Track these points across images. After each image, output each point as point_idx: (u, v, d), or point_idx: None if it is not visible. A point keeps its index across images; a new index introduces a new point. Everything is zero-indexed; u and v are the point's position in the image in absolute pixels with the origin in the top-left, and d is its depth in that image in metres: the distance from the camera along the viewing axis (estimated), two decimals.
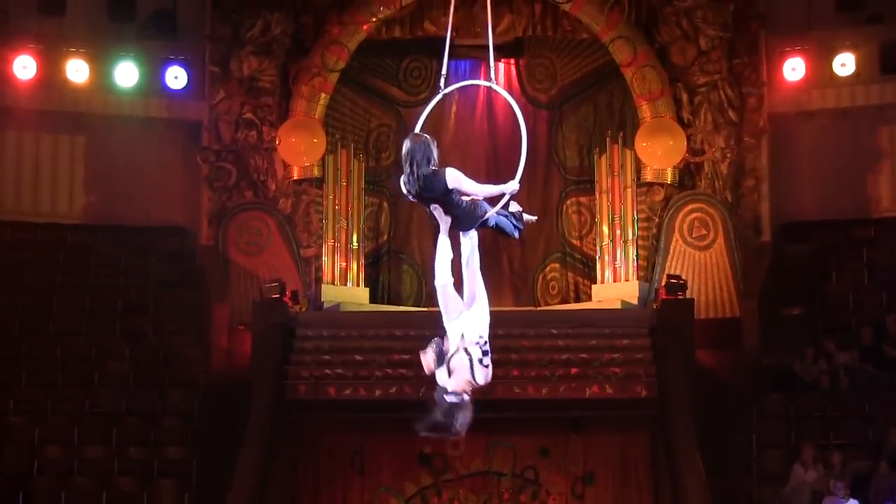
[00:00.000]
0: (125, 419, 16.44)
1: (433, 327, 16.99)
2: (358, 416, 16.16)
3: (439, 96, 8.39)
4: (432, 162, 7.60)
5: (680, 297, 16.89)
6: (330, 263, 18.53)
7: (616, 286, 18.33)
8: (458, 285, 7.87)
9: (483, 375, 7.79)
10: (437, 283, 7.82)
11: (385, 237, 19.51)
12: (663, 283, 17.29)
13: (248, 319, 17.40)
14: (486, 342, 7.83)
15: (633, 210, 18.47)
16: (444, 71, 8.49)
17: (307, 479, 16.19)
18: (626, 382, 15.90)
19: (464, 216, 7.69)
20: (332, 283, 18.47)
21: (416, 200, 7.70)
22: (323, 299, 18.25)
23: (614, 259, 18.47)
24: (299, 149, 18.62)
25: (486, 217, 7.76)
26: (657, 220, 18.60)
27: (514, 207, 8.01)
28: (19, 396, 16.46)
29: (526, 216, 8.07)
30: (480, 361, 7.80)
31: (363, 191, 18.96)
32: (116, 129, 19.23)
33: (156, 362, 17.26)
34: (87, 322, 17.69)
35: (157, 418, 16.50)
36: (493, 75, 8.71)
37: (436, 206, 7.63)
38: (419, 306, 19.11)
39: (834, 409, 16.37)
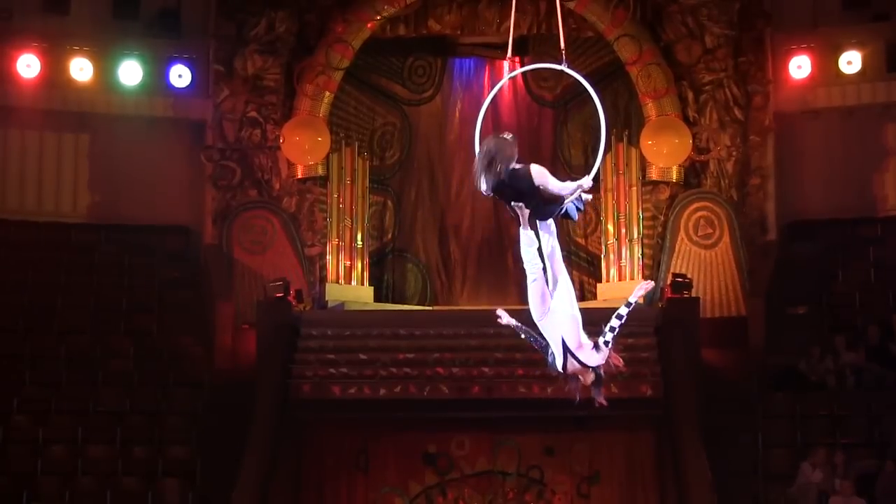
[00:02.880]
0: (129, 418, 16.45)
1: (437, 326, 17.01)
2: (362, 416, 16.17)
3: (504, 80, 8.54)
4: (514, 160, 7.80)
5: (685, 295, 16.91)
6: (334, 262, 18.54)
7: (621, 285, 18.32)
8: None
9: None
10: (530, 279, 8.13)
11: (389, 236, 19.53)
12: (669, 282, 17.30)
13: (253, 319, 17.42)
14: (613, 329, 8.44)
15: (638, 208, 18.48)
16: (509, 53, 8.58)
17: (311, 479, 16.21)
18: (632, 382, 15.87)
19: (545, 208, 7.95)
20: (337, 282, 18.49)
21: (495, 197, 7.89)
22: (327, 298, 18.27)
23: (619, 258, 18.48)
24: (303, 147, 18.65)
25: (563, 208, 8.01)
26: (662, 218, 18.62)
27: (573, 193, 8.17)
28: (23, 395, 16.48)
29: (584, 196, 8.25)
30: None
31: (367, 189, 18.97)
32: (120, 128, 19.24)
33: (160, 361, 17.27)
34: (92, 321, 17.71)
35: (162, 417, 16.50)
36: (565, 58, 8.80)
37: (518, 203, 7.83)
38: (423, 305, 19.14)
39: (840, 409, 16.35)
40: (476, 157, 7.85)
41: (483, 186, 7.87)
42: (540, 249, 8.10)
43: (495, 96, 19.25)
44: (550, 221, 8.12)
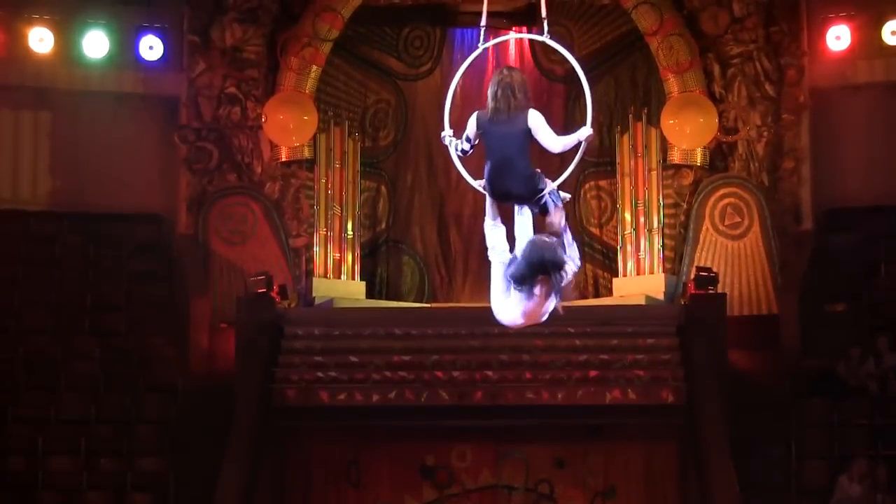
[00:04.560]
0: (95, 427, 16.47)
1: (436, 325, 17.07)
2: (353, 424, 16.20)
3: (478, 51, 8.87)
4: (526, 96, 8.31)
5: (711, 291, 16.92)
6: (322, 254, 18.55)
7: (640, 280, 18.34)
8: None
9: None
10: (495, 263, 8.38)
11: (383, 225, 19.53)
12: (692, 277, 17.31)
13: (232, 317, 17.43)
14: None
15: (658, 195, 18.49)
16: (483, 22, 8.82)
17: (297, 494, 16.24)
18: (651, 387, 15.92)
19: (527, 179, 8.26)
20: (325, 276, 18.50)
21: (480, 138, 8.37)
22: (314, 294, 18.28)
23: (638, 250, 18.49)
24: (288, 127, 18.65)
25: (543, 194, 8.28)
26: (685, 206, 18.63)
27: (551, 186, 8.41)
28: None
29: (562, 193, 8.45)
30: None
31: (359, 174, 18.97)
32: (85, 105, 19.23)
33: (129, 364, 17.29)
34: (53, 320, 17.72)
35: (131, 426, 16.53)
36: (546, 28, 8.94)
37: (480, 182, 8.36)
38: (421, 302, 19.15)
39: (882, 417, 16.38)
40: (493, 89, 8.29)
41: (472, 124, 8.37)
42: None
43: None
44: (528, 212, 8.37)
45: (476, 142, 8.48)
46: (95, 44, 19.01)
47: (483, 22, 9.01)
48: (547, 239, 8.07)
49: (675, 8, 18.76)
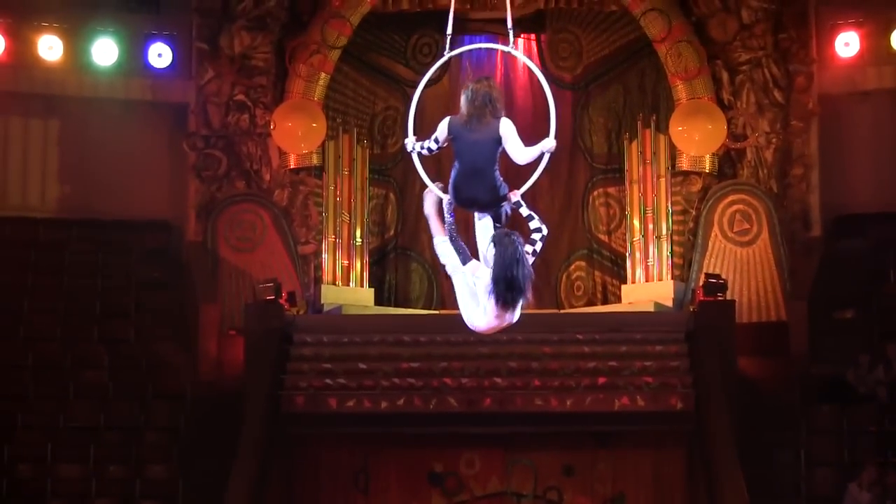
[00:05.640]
0: (104, 434, 16.48)
1: (445, 332, 17.04)
2: (362, 431, 16.19)
3: (444, 59, 8.95)
4: (502, 106, 8.48)
5: (720, 298, 16.89)
6: (331, 261, 18.57)
7: (648, 286, 18.34)
8: None
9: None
10: (449, 271, 8.53)
11: (392, 232, 19.55)
12: (701, 283, 17.28)
13: (240, 324, 17.45)
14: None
15: (667, 202, 18.48)
16: (448, 30, 8.91)
17: (305, 501, 16.23)
18: (660, 393, 15.91)
19: (494, 188, 8.39)
20: (333, 283, 18.52)
21: (449, 142, 8.55)
22: (323, 301, 18.29)
23: (646, 256, 18.49)
24: (296, 134, 18.66)
25: (503, 204, 8.42)
26: (694, 213, 18.63)
27: (514, 196, 8.54)
28: None
29: (519, 204, 8.54)
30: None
31: (367, 181, 18.99)
32: (93, 112, 19.27)
33: (137, 371, 17.31)
34: (62, 327, 17.73)
35: (140, 433, 16.54)
36: (511, 40, 9.18)
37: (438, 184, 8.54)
38: (429, 309, 19.15)
39: (892, 424, 16.36)
40: (470, 96, 8.42)
41: (443, 127, 8.54)
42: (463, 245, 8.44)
43: (509, 78, 19.32)
44: (489, 221, 8.49)
45: (443, 145, 8.64)
46: (104, 51, 19.04)
47: (449, 30, 9.10)
48: (510, 245, 8.14)
49: (684, 15, 18.77)
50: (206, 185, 18.77)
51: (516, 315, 8.34)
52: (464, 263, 8.38)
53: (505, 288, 8.12)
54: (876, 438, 16.30)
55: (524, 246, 8.21)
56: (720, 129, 18.43)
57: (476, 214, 8.61)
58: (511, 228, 8.39)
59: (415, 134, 8.75)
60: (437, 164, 9.07)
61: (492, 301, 8.18)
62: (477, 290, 8.29)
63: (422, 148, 8.69)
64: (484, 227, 8.53)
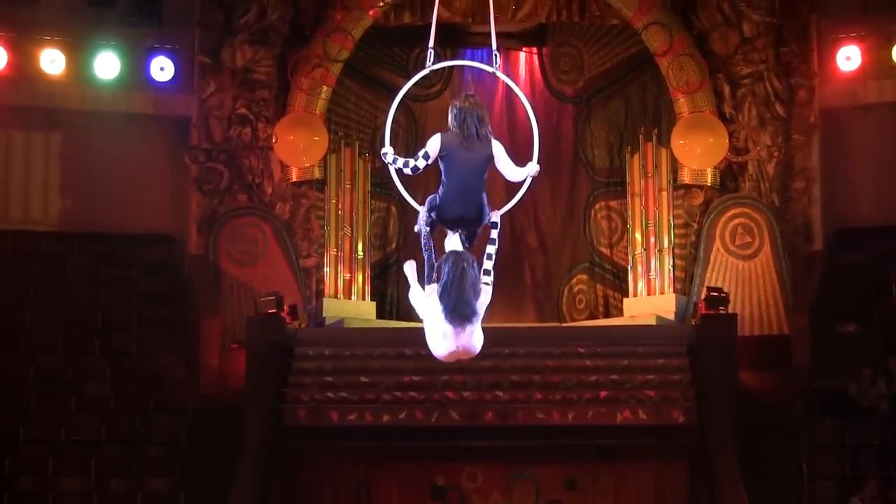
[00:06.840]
0: (105, 448, 16.46)
1: None
2: (364, 445, 16.19)
3: (424, 71, 9.28)
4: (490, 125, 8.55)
5: (721, 311, 16.90)
6: (332, 275, 18.58)
7: (650, 300, 18.34)
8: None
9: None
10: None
11: (393, 245, 19.56)
12: (703, 297, 17.29)
13: (242, 337, 17.45)
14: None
15: (668, 215, 18.49)
16: (431, 43, 8.98)
17: None
18: (662, 407, 15.90)
19: (481, 207, 8.47)
20: (335, 296, 18.53)
21: (439, 160, 8.55)
22: (325, 314, 18.30)
23: (648, 270, 18.49)
24: (298, 148, 18.68)
25: (484, 223, 8.54)
26: (696, 226, 18.63)
27: (495, 216, 8.66)
28: None
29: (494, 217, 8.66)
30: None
31: (369, 194, 19.01)
32: (95, 125, 19.30)
33: (139, 385, 17.30)
34: (63, 340, 17.73)
35: (141, 447, 16.52)
36: (496, 60, 9.42)
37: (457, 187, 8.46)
38: None
39: (894, 438, 16.33)
40: (461, 116, 8.56)
41: (436, 142, 8.61)
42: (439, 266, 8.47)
43: (510, 91, 19.29)
44: (457, 238, 8.60)
45: (431, 163, 8.65)
46: (106, 65, 19.07)
47: (431, 44, 9.17)
48: (459, 262, 8.28)
49: (685, 28, 18.80)
50: (207, 198, 18.79)
51: (477, 344, 8.33)
52: (427, 282, 8.40)
53: (455, 300, 8.15)
54: (878, 452, 16.28)
55: (475, 269, 8.28)
56: (722, 143, 18.44)
57: (449, 233, 8.65)
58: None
59: (409, 154, 8.76)
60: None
61: (447, 319, 8.19)
62: (436, 313, 8.29)
63: (405, 165, 8.69)
64: (453, 244, 8.61)
